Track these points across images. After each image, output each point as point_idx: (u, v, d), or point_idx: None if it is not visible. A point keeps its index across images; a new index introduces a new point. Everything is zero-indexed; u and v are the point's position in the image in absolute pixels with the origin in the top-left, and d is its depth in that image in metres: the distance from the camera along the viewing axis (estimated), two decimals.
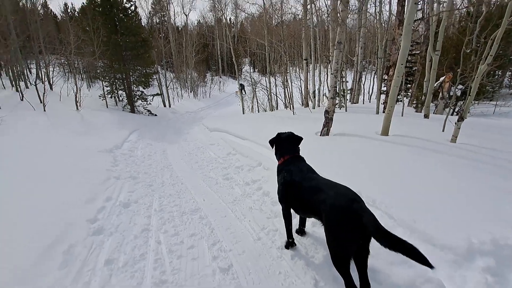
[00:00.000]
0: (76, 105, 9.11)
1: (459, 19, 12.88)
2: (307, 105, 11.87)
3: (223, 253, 2.37)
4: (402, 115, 7.42)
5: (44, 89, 8.22)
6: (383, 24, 11.84)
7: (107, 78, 12.05)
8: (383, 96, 10.43)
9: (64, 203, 3.15)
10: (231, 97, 22.54)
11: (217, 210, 3.17)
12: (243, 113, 12.68)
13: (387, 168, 3.39)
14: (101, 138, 6.81)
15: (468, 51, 6.16)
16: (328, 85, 10.90)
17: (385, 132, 4.88)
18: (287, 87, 12.72)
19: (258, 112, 13.84)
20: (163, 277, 2.10)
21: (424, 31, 10.52)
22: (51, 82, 10.99)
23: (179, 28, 27.54)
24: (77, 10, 20.82)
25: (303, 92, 12.37)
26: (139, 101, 12.51)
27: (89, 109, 9.59)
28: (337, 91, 7.87)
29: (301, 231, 2.53)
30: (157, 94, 14.16)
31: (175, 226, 2.84)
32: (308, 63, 11.73)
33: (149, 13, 24.84)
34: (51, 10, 25.16)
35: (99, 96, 11.71)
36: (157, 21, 24.88)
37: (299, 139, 2.48)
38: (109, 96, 12.05)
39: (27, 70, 12.88)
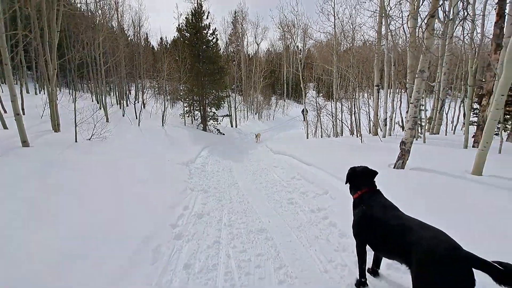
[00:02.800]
0: (162, 121, 10.64)
1: None
2: (376, 133, 11.12)
3: (289, 279, 2.37)
4: (500, 152, 6.27)
5: (140, 107, 9.90)
6: (474, 48, 10.52)
7: (187, 99, 13.79)
8: (472, 128, 9.05)
9: (154, 206, 3.68)
10: (294, 120, 22.80)
11: (282, 233, 3.21)
12: (307, 137, 12.64)
13: (484, 217, 2.90)
14: (180, 152, 7.73)
15: None
16: (402, 113, 10.09)
17: (478, 171, 4.21)
18: (354, 114, 12.27)
19: (322, 137, 13.60)
20: None
21: None
22: (145, 102, 13.20)
23: (250, 56, 29.84)
24: (169, 42, 24.84)
25: (372, 120, 11.71)
26: (211, 121, 13.81)
27: (171, 126, 11.05)
28: (417, 121, 7.10)
29: (374, 272, 2.35)
30: (227, 115, 15.42)
31: (243, 243, 2.98)
32: (380, 90, 11.16)
33: (226, 43, 27.76)
34: (150, 43, 30.62)
35: (180, 115, 13.43)
36: (232, 50, 27.53)
37: (374, 173, 2.38)
38: (187, 115, 13.69)
39: (128, 92, 15.78)
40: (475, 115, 11.48)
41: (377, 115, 11.27)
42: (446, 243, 1.52)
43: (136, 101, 13.01)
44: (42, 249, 2.43)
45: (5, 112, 7.14)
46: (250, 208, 4.05)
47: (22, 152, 4.83)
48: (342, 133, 13.29)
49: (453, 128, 13.28)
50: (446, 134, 11.79)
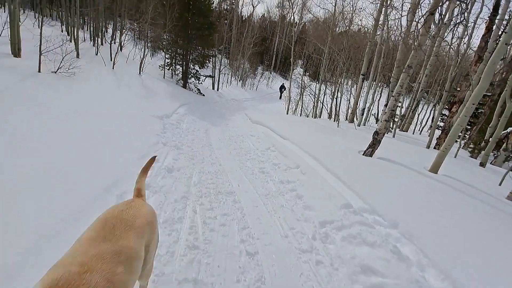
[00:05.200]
0: (140, 69, 9.91)
1: None
2: (352, 121, 11.52)
3: (251, 239, 2.49)
4: (456, 157, 6.88)
5: (117, 49, 9.05)
6: (458, 56, 10.93)
7: (169, 51, 12.86)
8: (437, 131, 9.74)
9: (122, 154, 3.54)
10: (277, 94, 22.63)
11: (250, 199, 3.30)
12: (287, 113, 12.70)
13: (431, 207, 3.23)
14: (155, 105, 7.36)
15: None
16: (380, 106, 10.43)
17: (435, 169, 4.60)
18: (336, 98, 12.46)
19: (301, 115, 13.76)
20: (195, 243, 2.28)
21: (502, 73, 9.54)
22: (122, 44, 12.07)
23: (244, 18, 28.17)
24: None
25: (351, 107, 12.01)
26: (192, 79, 13.17)
27: (149, 76, 10.36)
28: (394, 114, 7.41)
29: None
30: (210, 76, 14.78)
31: (211, 202, 3.03)
32: (365, 79, 11.34)
33: None
34: None
35: (159, 66, 12.58)
36: (226, 8, 25.67)
37: None
38: (167, 68, 12.87)
39: (105, 29, 14.26)
40: (442, 120, 12.29)
41: (357, 104, 11.58)
42: None
43: (113, 42, 11.87)
44: None
45: None
46: (222, 171, 4.08)
47: None
48: (321, 115, 13.54)
49: (421, 129, 14.16)
50: (413, 133, 12.57)
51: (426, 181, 4.06)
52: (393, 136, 8.72)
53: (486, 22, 7.97)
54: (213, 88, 16.50)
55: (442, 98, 9.89)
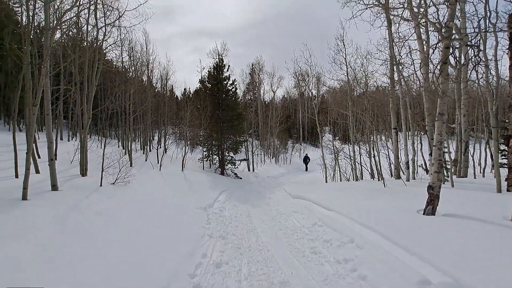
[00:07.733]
0: (182, 166, 10.94)
1: None
2: (399, 177, 10.69)
3: None
4: None
5: (162, 153, 10.33)
6: (491, 90, 10.48)
7: (206, 144, 14.29)
8: (503, 170, 8.51)
9: (172, 253, 3.60)
10: (311, 164, 22.58)
11: (307, 287, 2.96)
12: (326, 181, 12.35)
13: None
14: (198, 196, 7.74)
15: None
16: (424, 156, 9.67)
17: None
18: (373, 157, 12.04)
19: (341, 181, 13.23)
20: None
21: None
22: (166, 147, 13.83)
23: (266, 103, 31.36)
24: (191, 92, 26.91)
25: (393, 163, 11.38)
26: (229, 165, 14.01)
27: (190, 170, 11.29)
28: (442, 164, 6.77)
29: None
30: (244, 159, 15.64)
31: None
32: (398, 132, 11.07)
33: (244, 92, 29.65)
34: (174, 93, 33.20)
35: (198, 159, 13.79)
36: (250, 98, 29.16)
37: None
38: (206, 159, 14.03)
39: (152, 137, 16.71)
40: (503, 157, 10.89)
41: (398, 158, 10.98)
42: None
43: (159, 147, 13.66)
44: None
45: (39, 157, 7.68)
46: (271, 257, 3.84)
47: (50, 195, 5.07)
48: (362, 176, 12.90)
49: (481, 171, 12.53)
50: (475, 177, 11.11)
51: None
52: (452, 186, 7.78)
53: (508, 54, 7.87)
54: (249, 170, 17.15)
55: (492, 134, 9.06)
